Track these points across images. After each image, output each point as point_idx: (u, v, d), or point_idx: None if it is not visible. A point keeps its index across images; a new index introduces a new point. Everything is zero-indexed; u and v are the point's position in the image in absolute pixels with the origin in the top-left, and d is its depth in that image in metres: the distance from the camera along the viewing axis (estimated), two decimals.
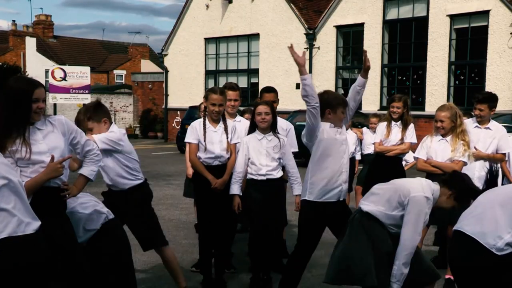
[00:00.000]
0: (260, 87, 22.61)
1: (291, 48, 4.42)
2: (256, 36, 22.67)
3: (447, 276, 5.12)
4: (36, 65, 31.97)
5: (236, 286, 5.29)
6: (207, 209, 5.13)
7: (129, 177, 4.60)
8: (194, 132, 5.12)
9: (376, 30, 19.24)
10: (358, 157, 8.63)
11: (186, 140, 5.17)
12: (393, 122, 6.54)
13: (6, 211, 2.79)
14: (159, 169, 14.98)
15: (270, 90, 5.98)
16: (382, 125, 6.65)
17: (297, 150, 5.75)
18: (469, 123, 5.75)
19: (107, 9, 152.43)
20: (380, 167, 6.46)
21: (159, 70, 29.00)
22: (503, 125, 6.31)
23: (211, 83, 24.79)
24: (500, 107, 12.18)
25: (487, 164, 5.70)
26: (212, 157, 5.08)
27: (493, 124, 5.89)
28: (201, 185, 5.14)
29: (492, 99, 5.84)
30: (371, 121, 8.45)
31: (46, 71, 25.78)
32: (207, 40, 24.44)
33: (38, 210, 3.09)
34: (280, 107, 20.86)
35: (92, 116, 4.51)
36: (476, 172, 5.63)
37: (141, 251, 4.95)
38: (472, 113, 6.05)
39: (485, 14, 16.91)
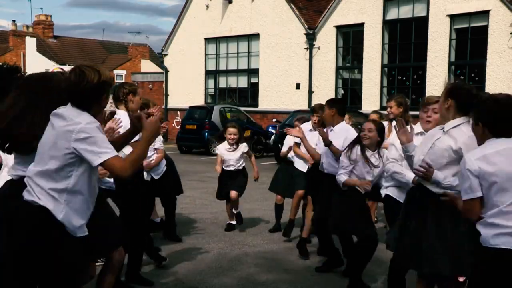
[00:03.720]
0: (260, 87, 22.70)
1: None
2: (256, 36, 22.67)
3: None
4: (36, 65, 31.94)
5: (235, 286, 5.30)
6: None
7: None
8: None
9: (376, 30, 19.23)
10: None
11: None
12: (393, 122, 6.49)
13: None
14: None
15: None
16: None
17: None
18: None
19: (111, 9, 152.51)
20: None
21: (159, 70, 29.00)
22: None
23: (211, 83, 24.80)
24: None
25: None
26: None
27: None
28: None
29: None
30: (371, 116, 8.43)
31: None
32: (207, 40, 24.44)
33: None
34: (280, 107, 20.80)
35: None
36: None
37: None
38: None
39: (485, 14, 16.91)
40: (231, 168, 7.27)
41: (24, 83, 3.39)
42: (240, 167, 7.33)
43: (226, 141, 7.28)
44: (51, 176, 2.92)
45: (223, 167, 7.26)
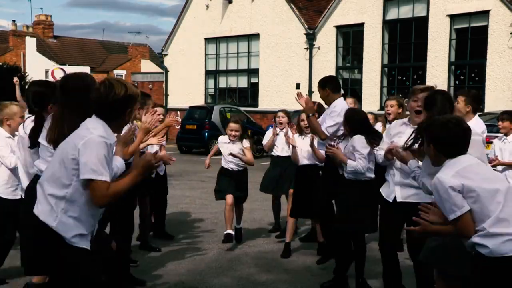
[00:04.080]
0: (260, 87, 22.69)
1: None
2: (256, 36, 22.67)
3: None
4: (36, 65, 31.94)
5: (235, 286, 5.30)
6: None
7: None
8: None
9: (376, 30, 19.23)
10: None
11: None
12: (388, 124, 6.45)
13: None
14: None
15: None
16: (377, 125, 6.65)
17: None
18: None
19: (112, 9, 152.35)
20: None
21: (159, 70, 29.02)
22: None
23: (211, 83, 24.80)
24: (501, 107, 12.19)
25: None
26: None
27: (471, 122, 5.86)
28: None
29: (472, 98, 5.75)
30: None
31: (46, 71, 25.75)
32: (207, 40, 24.43)
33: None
34: (280, 107, 20.88)
35: None
36: None
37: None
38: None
39: (485, 14, 16.91)
40: (232, 165, 6.56)
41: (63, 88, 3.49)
42: (242, 168, 6.63)
43: (226, 136, 6.65)
44: (55, 181, 2.94)
45: (223, 164, 6.66)
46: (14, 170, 4.81)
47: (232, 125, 6.57)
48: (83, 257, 2.96)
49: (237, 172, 6.59)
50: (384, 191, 4.55)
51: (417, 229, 3.17)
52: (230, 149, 6.49)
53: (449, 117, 3.29)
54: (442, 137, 3.13)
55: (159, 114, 5.98)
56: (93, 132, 2.91)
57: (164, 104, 25.73)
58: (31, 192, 3.65)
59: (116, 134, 3.31)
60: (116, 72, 40.53)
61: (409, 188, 4.34)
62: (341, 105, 5.58)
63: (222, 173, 6.68)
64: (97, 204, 2.90)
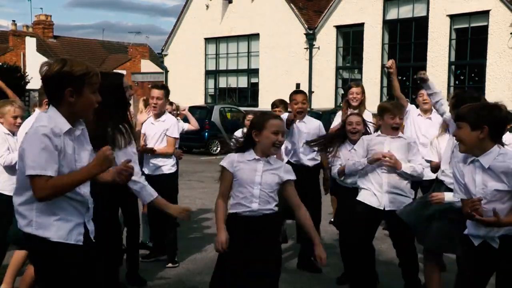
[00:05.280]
0: (260, 87, 22.70)
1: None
2: (256, 36, 22.68)
3: None
4: (36, 65, 31.90)
5: None
6: None
7: None
8: None
9: (376, 30, 19.23)
10: None
11: None
12: (350, 109, 6.58)
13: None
14: None
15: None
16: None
17: None
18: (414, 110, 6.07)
19: (114, 9, 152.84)
20: None
21: (159, 70, 29.01)
22: None
23: (211, 83, 24.81)
24: None
25: None
26: None
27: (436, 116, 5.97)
28: None
29: None
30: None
31: None
32: (207, 40, 24.44)
33: None
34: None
35: None
36: None
37: None
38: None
39: (485, 14, 16.91)
40: (257, 204, 3.30)
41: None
42: (275, 208, 3.37)
43: (249, 151, 3.39)
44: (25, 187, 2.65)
45: (235, 209, 3.35)
46: (13, 167, 4.79)
47: (276, 122, 3.37)
48: (74, 255, 2.65)
49: (267, 218, 3.35)
50: (369, 199, 4.60)
51: (491, 220, 2.94)
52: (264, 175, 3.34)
53: (490, 102, 3.45)
54: (501, 119, 3.09)
55: (154, 97, 5.50)
56: (34, 124, 2.60)
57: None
58: None
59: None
60: (116, 72, 40.40)
61: (396, 196, 4.56)
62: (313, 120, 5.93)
63: (234, 236, 3.31)
64: (35, 197, 2.55)
